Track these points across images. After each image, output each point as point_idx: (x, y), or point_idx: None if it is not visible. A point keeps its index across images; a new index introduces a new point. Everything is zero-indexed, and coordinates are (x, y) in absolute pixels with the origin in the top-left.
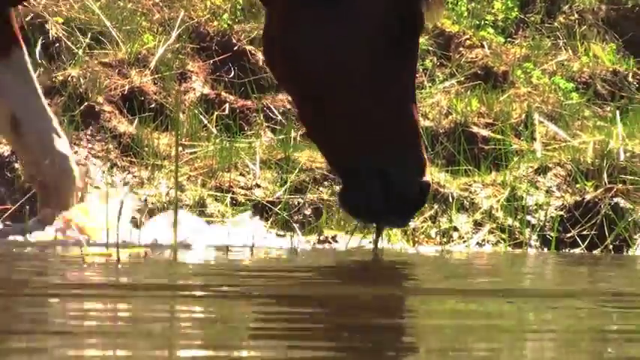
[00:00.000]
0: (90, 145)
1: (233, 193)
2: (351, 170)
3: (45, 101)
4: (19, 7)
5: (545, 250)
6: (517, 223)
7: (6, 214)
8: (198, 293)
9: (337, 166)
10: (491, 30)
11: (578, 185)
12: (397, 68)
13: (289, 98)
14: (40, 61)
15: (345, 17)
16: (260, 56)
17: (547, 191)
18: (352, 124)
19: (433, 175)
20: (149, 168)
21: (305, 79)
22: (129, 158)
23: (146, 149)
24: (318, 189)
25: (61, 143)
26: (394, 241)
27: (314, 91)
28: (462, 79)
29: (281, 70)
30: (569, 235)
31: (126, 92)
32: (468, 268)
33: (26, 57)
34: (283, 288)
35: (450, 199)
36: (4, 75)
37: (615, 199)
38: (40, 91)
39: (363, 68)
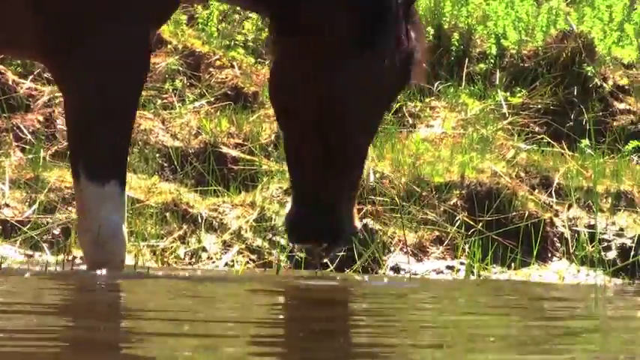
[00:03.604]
0: None
1: None
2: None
3: None
4: None
5: (297, 271)
6: (266, 244)
7: None
8: None
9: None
10: (241, 50)
11: None
12: None
13: (39, 118)
14: None
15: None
16: (10, 75)
17: None
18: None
19: (182, 195)
20: None
21: None
22: None
23: None
24: (67, 209)
25: None
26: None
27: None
28: (212, 99)
29: None
30: None
31: None
32: None
33: None
34: None
35: (199, 220)
36: None
37: (365, 220)
38: None
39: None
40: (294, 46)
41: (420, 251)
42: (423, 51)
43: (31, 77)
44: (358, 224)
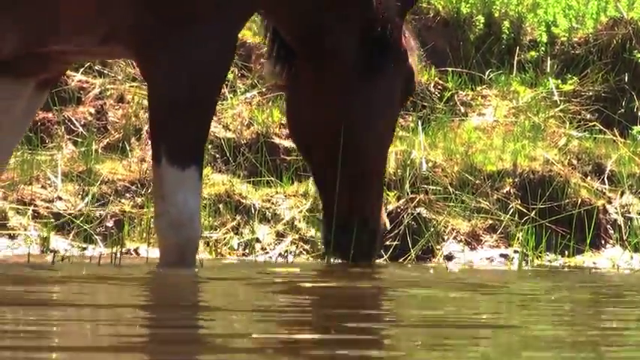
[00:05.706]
0: None
1: (35, 205)
2: None
3: None
4: None
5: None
6: (319, 234)
7: None
8: None
9: None
10: None
11: None
12: None
13: (90, 110)
14: None
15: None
16: None
17: None
18: None
19: (235, 186)
20: None
21: None
22: None
23: None
24: (119, 201)
25: None
26: None
27: None
28: (264, 90)
29: None
30: None
31: None
32: None
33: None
34: None
35: (253, 210)
36: None
37: (418, 209)
38: None
39: None
40: (312, 72)
41: (473, 240)
42: (416, 54)
43: (82, 70)
44: (387, 223)
